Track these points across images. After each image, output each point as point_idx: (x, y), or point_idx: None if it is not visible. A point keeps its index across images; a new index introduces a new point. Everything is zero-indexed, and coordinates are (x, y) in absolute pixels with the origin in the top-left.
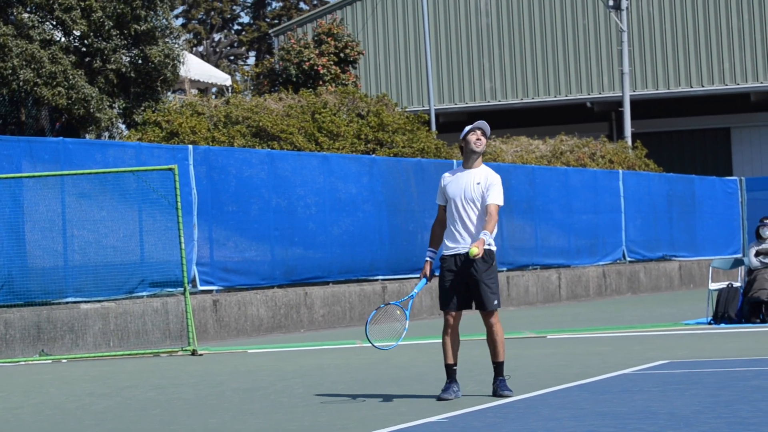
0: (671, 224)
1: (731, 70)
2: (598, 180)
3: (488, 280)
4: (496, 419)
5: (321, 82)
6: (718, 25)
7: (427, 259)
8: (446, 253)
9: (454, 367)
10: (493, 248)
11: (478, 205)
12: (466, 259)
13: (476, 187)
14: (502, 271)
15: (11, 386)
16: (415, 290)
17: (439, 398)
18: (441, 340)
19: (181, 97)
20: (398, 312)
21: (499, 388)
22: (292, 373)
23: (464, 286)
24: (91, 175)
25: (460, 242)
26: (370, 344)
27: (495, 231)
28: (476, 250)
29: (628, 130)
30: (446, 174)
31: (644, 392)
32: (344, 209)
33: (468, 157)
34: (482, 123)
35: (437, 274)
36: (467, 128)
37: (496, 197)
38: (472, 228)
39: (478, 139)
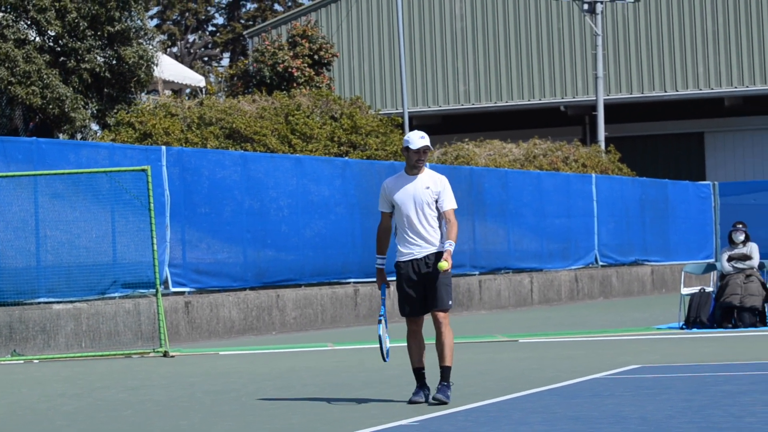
0: (644, 229)
1: (705, 74)
2: (571, 184)
3: (444, 278)
4: (467, 423)
5: (295, 84)
6: (693, 30)
7: (379, 267)
8: (401, 259)
9: (423, 371)
10: (437, 236)
11: (432, 210)
12: (423, 264)
13: (426, 191)
14: (475, 274)
15: None
16: (383, 307)
17: (410, 401)
18: (407, 344)
19: (155, 98)
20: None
21: (437, 391)
22: (263, 375)
23: (422, 290)
24: (64, 176)
25: (414, 248)
26: (381, 352)
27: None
28: (446, 265)
29: (601, 134)
30: (388, 180)
31: (616, 397)
32: (317, 211)
33: (410, 168)
34: (425, 139)
35: (393, 278)
36: (409, 144)
37: (451, 201)
38: (425, 233)
39: (419, 160)
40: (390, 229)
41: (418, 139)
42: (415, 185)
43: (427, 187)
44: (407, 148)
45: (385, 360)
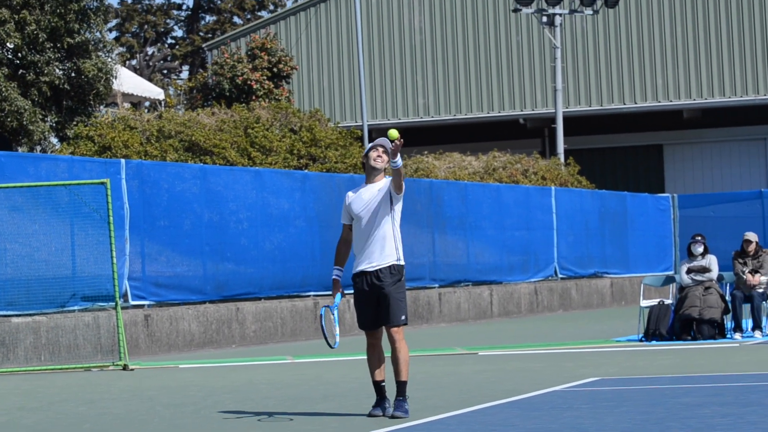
0: (603, 241)
1: (664, 87)
2: (530, 197)
3: (397, 294)
4: None
5: (254, 97)
6: (651, 42)
7: (335, 278)
8: (355, 271)
9: (382, 384)
10: (402, 263)
11: (386, 214)
12: (375, 277)
13: (378, 193)
14: (434, 287)
15: None
16: (335, 306)
17: (369, 414)
18: (367, 358)
19: (114, 111)
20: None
21: (394, 408)
22: (223, 388)
23: (375, 303)
24: (23, 189)
25: (371, 260)
26: (326, 341)
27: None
28: (395, 132)
29: (560, 146)
30: (350, 192)
31: (575, 409)
32: (276, 225)
33: (370, 173)
34: (383, 140)
35: (350, 292)
36: (369, 145)
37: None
38: (378, 244)
39: (378, 156)
40: (350, 242)
41: (378, 140)
42: (369, 194)
43: (380, 189)
44: (366, 155)
45: (331, 346)
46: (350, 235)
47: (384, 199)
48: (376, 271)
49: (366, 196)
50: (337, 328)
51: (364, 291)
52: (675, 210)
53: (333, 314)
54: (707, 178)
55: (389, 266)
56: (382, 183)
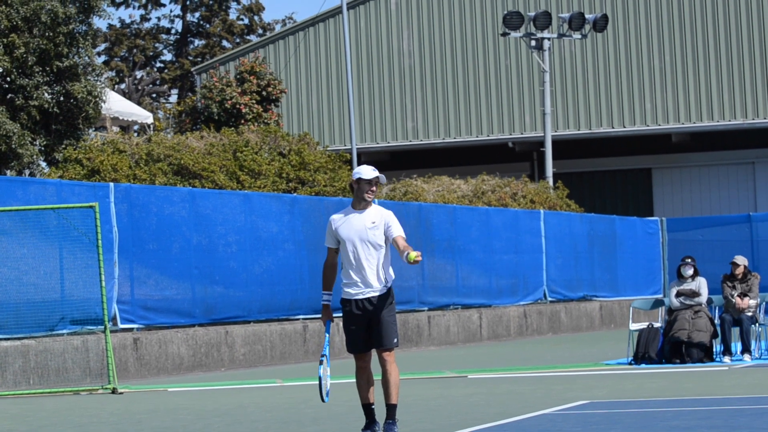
0: (592, 264)
1: (653, 111)
2: (519, 220)
3: (389, 317)
4: None
5: (243, 121)
6: (640, 67)
7: (325, 303)
8: (346, 297)
9: (372, 406)
10: (391, 286)
11: (376, 248)
12: (368, 302)
13: (372, 228)
14: (423, 310)
15: None
16: (327, 340)
17: None
18: (356, 382)
19: (103, 135)
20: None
21: (383, 431)
22: (212, 412)
23: (366, 326)
24: (11, 212)
25: (362, 288)
26: (321, 395)
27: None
28: (414, 254)
29: (549, 170)
30: (335, 216)
31: None
32: (265, 248)
33: (359, 201)
34: (375, 172)
35: (339, 315)
36: (361, 175)
37: (399, 229)
38: (369, 270)
39: (371, 190)
40: (336, 265)
41: (369, 170)
42: (362, 220)
43: (373, 222)
44: (359, 180)
45: (324, 401)
46: (335, 259)
47: (379, 233)
48: (368, 297)
49: (356, 224)
50: (329, 381)
51: (355, 315)
52: (664, 233)
53: (328, 368)
54: (696, 201)
55: (380, 293)
56: (376, 215)
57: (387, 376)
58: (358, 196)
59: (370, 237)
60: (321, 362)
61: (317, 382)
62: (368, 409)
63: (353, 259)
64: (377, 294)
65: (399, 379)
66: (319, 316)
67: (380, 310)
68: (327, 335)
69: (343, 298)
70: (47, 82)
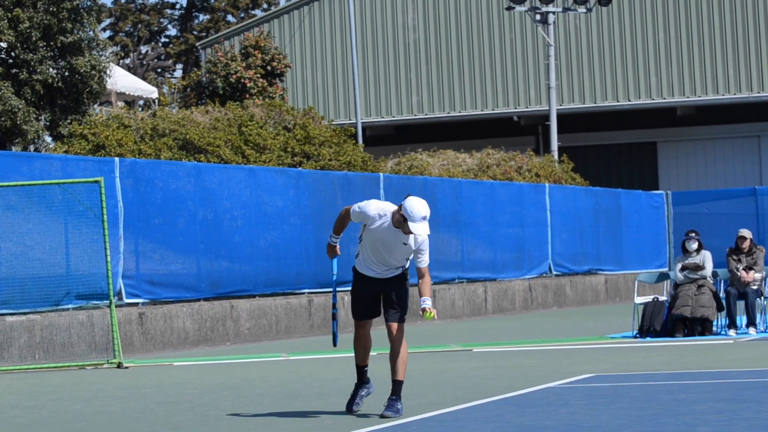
0: (597, 238)
1: (657, 84)
2: (524, 194)
3: (402, 291)
4: None
5: (248, 95)
6: (645, 40)
7: (333, 243)
8: (362, 272)
9: (365, 368)
10: (407, 265)
11: (402, 260)
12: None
13: (405, 246)
14: None
15: None
16: (335, 272)
17: (348, 409)
18: (353, 345)
19: (108, 110)
20: None
21: (385, 407)
22: (218, 386)
23: (376, 297)
24: (17, 188)
25: (375, 271)
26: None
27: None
28: (432, 313)
29: (554, 143)
30: (375, 213)
31: (570, 406)
32: (270, 222)
33: (396, 223)
34: (427, 233)
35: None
36: (410, 222)
37: (427, 259)
38: (390, 264)
39: (410, 233)
40: (348, 222)
41: (420, 223)
42: (398, 237)
43: (405, 244)
44: (405, 220)
45: (335, 345)
46: (349, 219)
47: (408, 253)
48: (384, 278)
49: (391, 239)
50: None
51: (366, 282)
52: (669, 207)
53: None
54: (701, 175)
55: (395, 274)
56: (410, 238)
57: (395, 352)
58: (400, 226)
59: (399, 252)
60: (334, 317)
61: (332, 330)
62: (361, 370)
63: (376, 254)
64: (392, 275)
65: (407, 356)
66: (325, 290)
67: (393, 284)
68: (335, 276)
69: (360, 271)
70: (52, 57)
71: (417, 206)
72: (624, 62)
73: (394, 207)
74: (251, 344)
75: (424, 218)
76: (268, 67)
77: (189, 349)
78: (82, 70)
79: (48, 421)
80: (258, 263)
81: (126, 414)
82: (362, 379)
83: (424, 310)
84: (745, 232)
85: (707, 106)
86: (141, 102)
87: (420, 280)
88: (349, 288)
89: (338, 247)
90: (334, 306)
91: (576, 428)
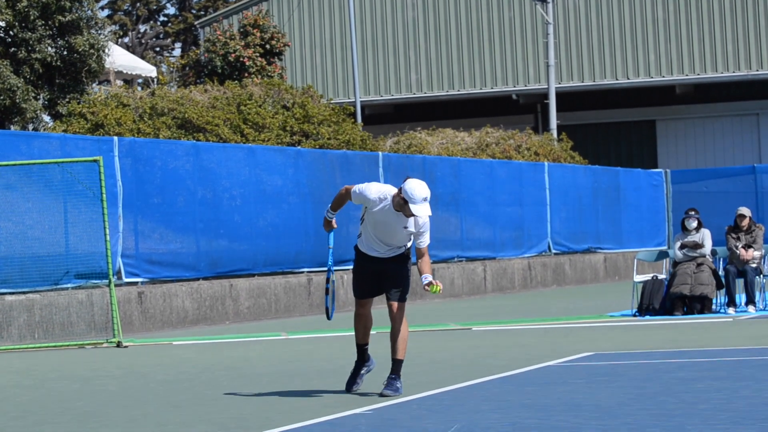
0: (596, 216)
1: (656, 62)
2: (523, 172)
3: (403, 270)
4: (421, 411)
5: (246, 74)
6: (643, 18)
7: (329, 218)
8: (365, 252)
9: (365, 347)
10: (408, 245)
11: (404, 241)
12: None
13: (406, 229)
14: None
15: None
16: (331, 245)
17: (347, 389)
18: (354, 324)
19: (107, 89)
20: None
21: (385, 386)
22: (217, 365)
23: (377, 276)
24: (16, 167)
25: (377, 252)
26: (329, 311)
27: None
28: (438, 287)
29: (553, 122)
30: (373, 196)
31: (569, 384)
32: (269, 201)
33: (397, 207)
34: (428, 214)
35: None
36: (411, 203)
37: (427, 239)
38: (392, 245)
39: (412, 215)
40: (347, 200)
41: (422, 204)
42: (398, 221)
43: (405, 227)
44: (406, 202)
45: (329, 318)
46: (349, 198)
47: (407, 234)
48: (385, 257)
49: (392, 220)
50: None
51: (368, 261)
52: (668, 185)
53: (332, 286)
54: (700, 153)
55: (396, 253)
56: (409, 220)
57: (396, 331)
58: (401, 209)
59: (400, 235)
60: (327, 292)
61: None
62: (361, 349)
63: (378, 237)
64: (394, 254)
65: (408, 335)
66: (324, 269)
67: (395, 263)
68: (331, 249)
69: (362, 250)
70: (50, 36)
71: (417, 188)
72: (623, 40)
73: (395, 190)
74: (250, 323)
75: (424, 199)
76: (267, 46)
77: (188, 328)
78: (80, 49)
79: (47, 399)
80: (257, 242)
81: (125, 393)
82: (363, 358)
83: (429, 283)
84: (744, 210)
85: (706, 84)
86: (140, 81)
87: (419, 259)
88: (349, 267)
89: (335, 221)
90: (327, 281)
91: (575, 407)
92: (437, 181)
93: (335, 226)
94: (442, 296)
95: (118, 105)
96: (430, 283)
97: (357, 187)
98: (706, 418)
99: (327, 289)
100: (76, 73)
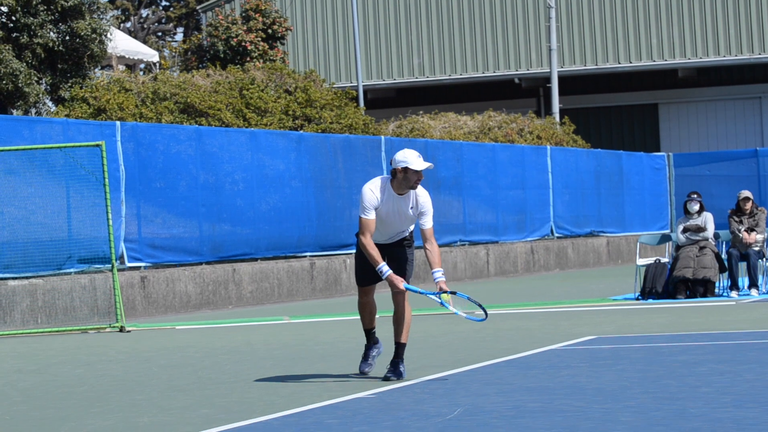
0: (599, 200)
1: (659, 46)
2: (525, 156)
3: (407, 255)
4: (424, 395)
5: (249, 59)
6: (646, 1)
7: (385, 272)
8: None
9: (373, 330)
10: (411, 229)
11: (410, 224)
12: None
13: (409, 212)
14: None
15: None
16: (420, 291)
17: (360, 371)
18: (359, 311)
19: (109, 74)
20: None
21: (388, 370)
22: (220, 349)
23: (383, 257)
24: (18, 152)
25: (381, 240)
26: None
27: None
28: (448, 298)
29: (556, 106)
30: (375, 190)
31: (572, 368)
32: (272, 185)
33: (401, 186)
34: (428, 164)
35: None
36: (409, 164)
37: (431, 220)
38: (396, 232)
39: (418, 180)
40: (373, 230)
41: (419, 161)
42: (401, 204)
43: (411, 207)
44: (405, 169)
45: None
46: (374, 226)
47: (413, 216)
48: (388, 243)
49: (396, 206)
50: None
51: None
52: (670, 169)
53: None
54: (702, 136)
55: (400, 238)
56: (413, 199)
57: (399, 314)
58: (403, 184)
59: (407, 219)
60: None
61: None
62: (369, 332)
63: (384, 228)
64: (397, 239)
65: (411, 318)
66: (326, 253)
67: (397, 248)
68: (420, 290)
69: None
70: (52, 21)
71: (406, 152)
72: (625, 24)
73: (383, 176)
74: (253, 308)
75: (419, 156)
76: (269, 30)
77: (191, 312)
78: (82, 34)
79: (50, 385)
80: (260, 227)
81: (128, 377)
82: (371, 341)
83: (441, 290)
84: (747, 194)
85: (709, 68)
86: (142, 66)
87: (428, 247)
88: (352, 251)
89: (390, 272)
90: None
91: (578, 390)
92: (440, 165)
93: (395, 278)
94: (445, 280)
95: (120, 90)
96: (441, 290)
97: (362, 211)
98: (709, 401)
99: (426, 295)
100: (78, 58)
